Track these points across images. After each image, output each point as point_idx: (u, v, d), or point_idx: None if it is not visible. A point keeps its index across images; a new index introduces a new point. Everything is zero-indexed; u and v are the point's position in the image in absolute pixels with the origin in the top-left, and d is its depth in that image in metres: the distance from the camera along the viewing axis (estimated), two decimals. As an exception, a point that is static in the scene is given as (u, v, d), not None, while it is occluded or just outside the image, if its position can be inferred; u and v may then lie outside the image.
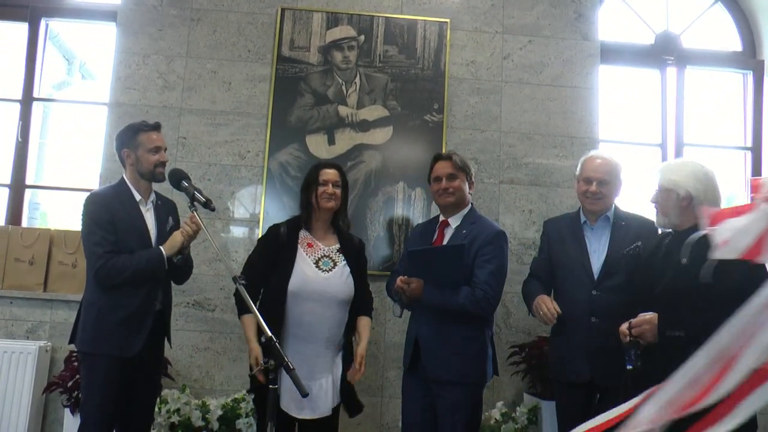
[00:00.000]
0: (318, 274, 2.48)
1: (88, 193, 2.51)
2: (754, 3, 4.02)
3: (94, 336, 2.36)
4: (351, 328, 2.57)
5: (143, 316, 2.40)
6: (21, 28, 3.77)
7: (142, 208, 2.49)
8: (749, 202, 1.31)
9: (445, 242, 2.59)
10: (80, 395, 2.54)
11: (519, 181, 3.62)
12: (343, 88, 3.59)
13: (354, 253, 2.62)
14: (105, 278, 2.34)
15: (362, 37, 3.62)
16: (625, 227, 2.55)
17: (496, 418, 3.21)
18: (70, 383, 2.99)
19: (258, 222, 3.45)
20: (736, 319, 1.14)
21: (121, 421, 2.43)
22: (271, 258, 2.52)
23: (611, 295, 2.46)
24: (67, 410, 3.02)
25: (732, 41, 4.11)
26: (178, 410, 3.08)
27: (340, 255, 2.57)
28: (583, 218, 2.65)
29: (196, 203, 2.30)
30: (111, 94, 3.54)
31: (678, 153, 3.86)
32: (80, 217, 2.43)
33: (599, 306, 2.47)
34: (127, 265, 2.34)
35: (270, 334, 1.87)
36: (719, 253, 1.24)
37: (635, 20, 4.04)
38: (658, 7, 4.06)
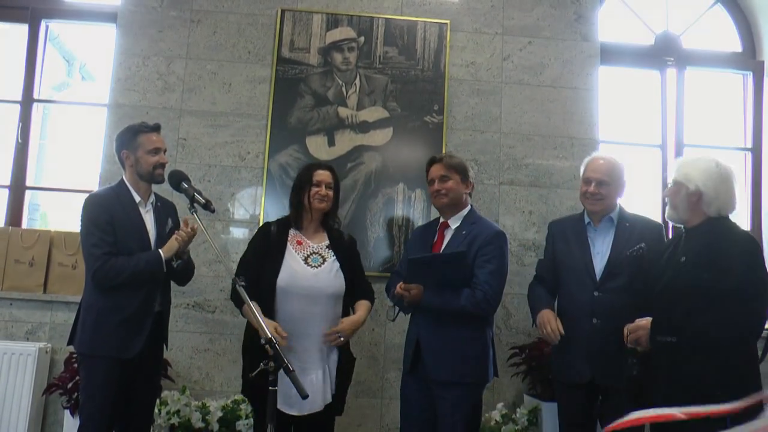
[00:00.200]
0: (306, 269, 2.48)
1: (87, 195, 2.51)
2: (754, 4, 4.02)
3: (93, 337, 2.35)
4: None
5: (142, 317, 2.40)
6: (21, 30, 3.76)
7: (142, 210, 2.49)
8: None
9: (445, 243, 2.59)
10: (79, 397, 2.54)
11: (519, 182, 3.62)
12: (343, 89, 3.59)
13: (344, 248, 2.62)
14: (102, 279, 2.34)
15: (362, 39, 3.62)
16: (629, 228, 2.54)
17: (496, 420, 3.21)
18: (70, 385, 2.98)
19: (258, 223, 3.44)
20: None
21: (120, 422, 2.43)
22: (262, 255, 2.52)
23: (613, 296, 2.45)
24: (67, 412, 3.02)
25: (732, 42, 4.11)
26: (178, 412, 3.09)
27: (330, 251, 2.57)
28: (586, 219, 2.64)
29: (195, 205, 2.29)
30: (111, 95, 3.54)
31: (678, 154, 3.86)
32: (79, 218, 2.43)
33: (601, 307, 2.46)
34: (125, 266, 2.34)
35: (270, 335, 1.87)
36: None
37: (635, 21, 4.04)
38: (657, 7, 4.06)
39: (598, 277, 2.51)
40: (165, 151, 2.54)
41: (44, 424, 3.30)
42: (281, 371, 1.82)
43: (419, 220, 3.46)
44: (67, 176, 4.09)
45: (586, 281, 2.52)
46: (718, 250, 2.08)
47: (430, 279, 2.46)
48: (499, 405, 3.28)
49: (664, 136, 3.92)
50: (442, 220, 2.67)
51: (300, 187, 2.61)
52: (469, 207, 2.65)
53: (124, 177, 2.52)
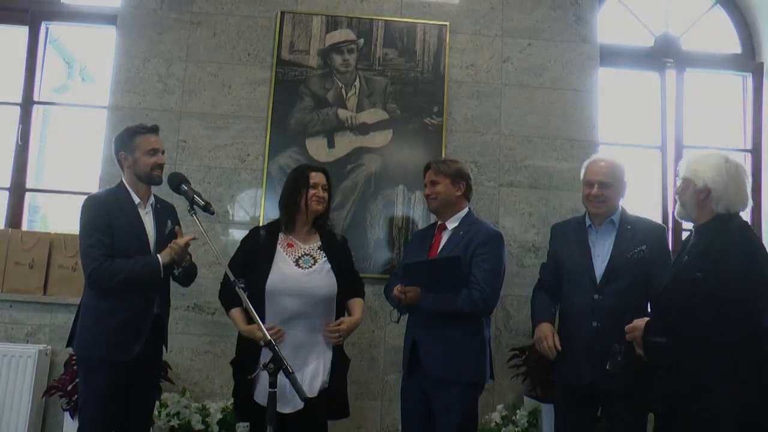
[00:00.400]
0: (297, 271, 2.48)
1: (86, 196, 2.51)
2: (753, 5, 4.02)
3: (92, 340, 2.36)
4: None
5: (141, 319, 2.40)
6: (21, 32, 3.77)
7: (141, 212, 2.49)
8: None
9: (442, 245, 2.61)
10: (78, 399, 2.54)
11: (519, 184, 3.62)
12: (343, 91, 3.59)
13: (335, 249, 2.62)
14: (98, 281, 2.34)
15: (362, 41, 3.63)
16: (630, 231, 2.54)
17: (496, 421, 3.21)
18: (69, 387, 2.98)
19: (258, 225, 3.45)
20: None
21: (120, 424, 2.43)
22: (251, 259, 2.52)
23: (614, 298, 2.45)
24: (66, 414, 3.02)
25: (731, 43, 4.11)
26: (177, 414, 3.09)
27: (321, 252, 2.57)
28: (588, 222, 2.64)
29: (195, 207, 2.29)
30: (111, 97, 3.54)
31: (678, 155, 3.86)
32: (78, 219, 2.43)
33: (601, 310, 2.46)
34: (121, 269, 2.33)
35: (270, 338, 1.88)
36: None
37: (634, 23, 4.04)
38: (657, 9, 4.06)
39: (598, 280, 2.51)
40: (163, 152, 2.54)
41: (44, 427, 3.30)
42: (281, 372, 1.82)
43: (419, 222, 3.46)
44: (68, 178, 4.09)
45: (586, 284, 2.52)
46: (720, 249, 2.06)
47: (426, 283, 2.49)
48: (499, 406, 3.28)
49: (664, 138, 3.92)
50: (439, 222, 2.70)
51: (295, 189, 2.59)
52: (466, 209, 2.67)
53: (123, 179, 2.52)
